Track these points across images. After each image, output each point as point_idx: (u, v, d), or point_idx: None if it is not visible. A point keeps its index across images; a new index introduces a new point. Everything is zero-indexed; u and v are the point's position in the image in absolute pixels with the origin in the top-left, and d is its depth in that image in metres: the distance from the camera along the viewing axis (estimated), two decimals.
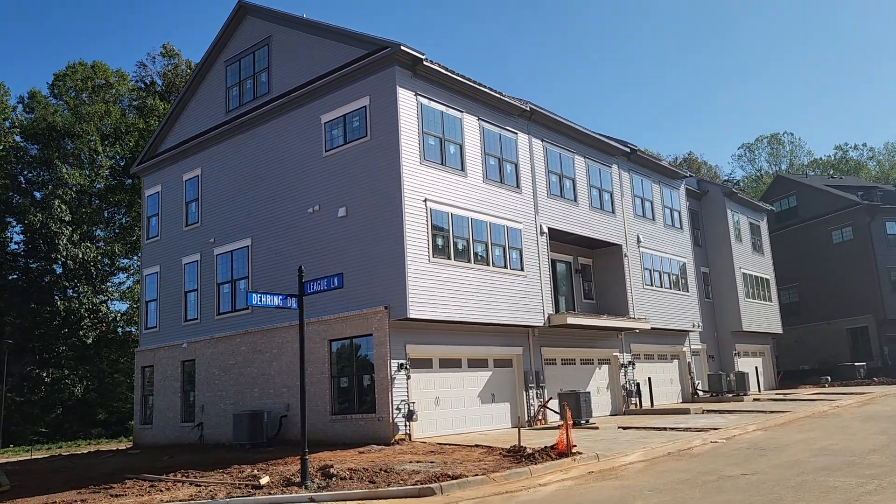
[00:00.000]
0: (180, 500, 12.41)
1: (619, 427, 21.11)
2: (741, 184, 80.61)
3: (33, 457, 26.37)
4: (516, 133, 23.63)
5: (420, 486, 11.69)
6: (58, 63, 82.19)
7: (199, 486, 13.86)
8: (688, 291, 31.75)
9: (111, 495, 13.49)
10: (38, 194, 48.58)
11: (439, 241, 19.85)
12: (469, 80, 21.45)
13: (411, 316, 18.43)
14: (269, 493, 12.18)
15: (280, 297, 13.05)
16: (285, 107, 22.39)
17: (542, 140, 24.78)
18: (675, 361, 31.69)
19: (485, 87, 22.05)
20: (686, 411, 25.31)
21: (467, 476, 12.30)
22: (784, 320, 43.42)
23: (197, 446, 22.42)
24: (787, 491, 10.28)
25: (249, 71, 24.16)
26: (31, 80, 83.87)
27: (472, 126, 21.87)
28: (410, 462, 14.62)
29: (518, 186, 23.23)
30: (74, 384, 43.43)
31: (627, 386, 27.30)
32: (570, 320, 23.20)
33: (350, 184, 20.28)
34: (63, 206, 44.17)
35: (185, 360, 24.56)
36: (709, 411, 25.67)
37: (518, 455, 14.30)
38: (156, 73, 56.08)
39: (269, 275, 22.14)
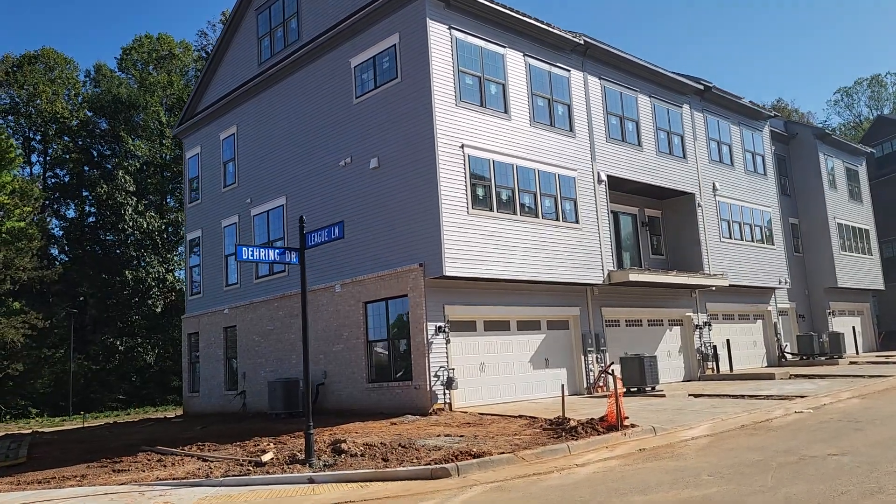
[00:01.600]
0: (174, 478, 11.24)
1: (689, 394, 18.82)
2: (838, 132, 74.18)
3: (85, 425, 26.35)
4: (569, 70, 21.20)
5: (433, 467, 10.01)
6: (124, 37, 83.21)
7: (207, 461, 12.71)
8: (773, 244, 28.58)
9: (114, 470, 12.57)
10: (109, 167, 49.41)
11: (479, 192, 17.88)
12: (512, 10, 19.16)
13: (448, 274, 16.64)
14: (267, 473, 10.80)
15: (277, 250, 11.49)
16: (314, 53, 20.76)
17: (600, 78, 22.23)
18: (759, 322, 28.72)
19: (530, 17, 19.70)
20: (770, 376, 22.64)
21: (492, 454, 10.53)
22: (887, 275, 39.18)
23: (239, 415, 21.60)
24: (889, 478, 8.03)
25: (279, 18, 22.62)
26: (98, 54, 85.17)
27: (516, 63, 19.62)
28: (439, 436, 12.97)
29: (571, 130, 20.88)
30: (147, 352, 44.18)
31: (703, 349, 24.73)
32: (633, 277, 20.85)
33: (381, 131, 18.53)
34: (127, 177, 44.53)
35: (227, 326, 23.70)
36: (797, 376, 22.90)
37: (560, 428, 12.40)
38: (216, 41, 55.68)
39: None
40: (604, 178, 21.52)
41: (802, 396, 16.78)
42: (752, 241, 27.56)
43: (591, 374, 20.65)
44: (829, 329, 31.97)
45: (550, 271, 19.18)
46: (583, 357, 20.51)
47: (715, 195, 25.99)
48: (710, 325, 25.25)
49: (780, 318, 29.64)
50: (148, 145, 49.01)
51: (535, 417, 14.66)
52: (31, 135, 52.56)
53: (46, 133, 51.70)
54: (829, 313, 33.22)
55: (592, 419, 12.63)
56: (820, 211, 33.41)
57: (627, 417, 12.57)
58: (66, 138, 51.42)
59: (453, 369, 16.97)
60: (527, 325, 19.52)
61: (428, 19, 17.50)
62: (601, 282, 20.75)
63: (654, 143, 23.75)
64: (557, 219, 19.78)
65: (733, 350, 26.38)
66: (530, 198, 19.15)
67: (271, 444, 13.56)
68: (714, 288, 24.83)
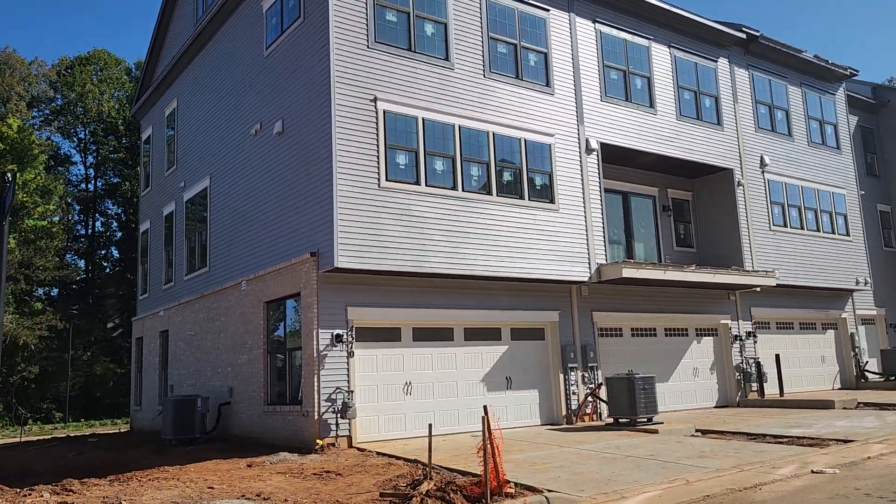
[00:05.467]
0: None
1: (696, 430, 13.88)
2: None
3: (6, 442, 23.63)
4: (547, 9, 16.65)
5: None
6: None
7: None
8: (848, 235, 22.66)
9: None
10: None
11: (400, 159, 13.70)
12: None
13: (340, 265, 12.57)
14: None
15: None
16: (232, 1, 17.24)
17: (595, 20, 17.54)
18: (831, 332, 22.83)
19: None
20: (829, 405, 17.15)
21: None
22: None
23: (155, 436, 18.30)
24: None
25: None
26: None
27: None
28: (242, 496, 8.94)
29: (548, 84, 16.31)
30: None
31: (744, 366, 19.40)
32: (629, 273, 15.97)
33: (285, 87, 14.73)
34: None
35: (162, 330, 20.54)
36: (866, 405, 17.30)
37: (404, 496, 8.09)
38: None
39: (226, 220, 17.32)
40: (595, 145, 16.78)
41: (845, 441, 11.59)
42: (818, 230, 21.82)
43: (575, 397, 15.98)
44: None
45: (510, 265, 14.73)
46: (562, 376, 15.88)
47: (763, 171, 20.55)
48: (754, 335, 19.85)
49: (860, 327, 23.60)
50: None
51: (429, 466, 10.33)
52: (83, 135, 52.77)
53: (96, 133, 51.64)
54: None
55: (454, 482, 8.23)
56: None
57: (508, 482, 8.11)
58: (112, 138, 51.25)
59: (352, 392, 12.85)
60: (480, 334, 15.11)
61: None
62: (587, 279, 16.05)
63: (673, 104, 18.73)
64: (522, 197, 15.28)
65: (794, 367, 20.89)
66: (480, 169, 14.77)
67: (83, 490, 9.96)
68: (759, 289, 19.45)
